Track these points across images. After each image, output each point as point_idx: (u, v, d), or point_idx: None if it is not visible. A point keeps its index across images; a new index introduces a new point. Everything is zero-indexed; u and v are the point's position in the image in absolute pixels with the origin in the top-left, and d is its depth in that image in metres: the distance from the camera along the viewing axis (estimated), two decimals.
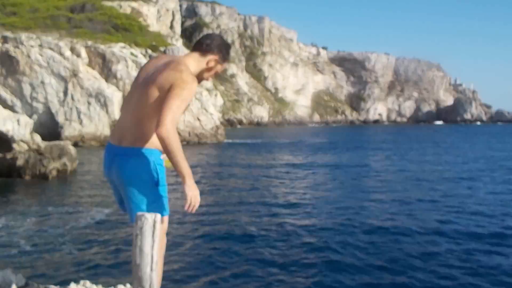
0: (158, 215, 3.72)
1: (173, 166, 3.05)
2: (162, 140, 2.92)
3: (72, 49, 43.11)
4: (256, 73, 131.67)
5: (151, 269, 3.92)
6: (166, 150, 2.97)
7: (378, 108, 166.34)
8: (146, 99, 3.03)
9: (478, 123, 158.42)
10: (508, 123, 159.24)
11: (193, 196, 3.11)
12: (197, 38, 3.52)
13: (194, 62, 3.17)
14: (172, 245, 11.51)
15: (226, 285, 9.13)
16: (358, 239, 12.64)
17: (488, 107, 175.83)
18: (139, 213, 3.85)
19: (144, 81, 3.11)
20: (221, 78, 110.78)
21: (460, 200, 18.42)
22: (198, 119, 50.67)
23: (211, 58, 3.21)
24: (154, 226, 3.93)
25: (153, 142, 3.12)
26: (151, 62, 3.27)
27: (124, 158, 3.10)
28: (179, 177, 3.14)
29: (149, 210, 3.28)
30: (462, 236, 12.97)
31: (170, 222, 3.85)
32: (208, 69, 3.24)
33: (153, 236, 3.93)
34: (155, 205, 3.31)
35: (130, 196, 3.21)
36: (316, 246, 12.15)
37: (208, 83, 70.73)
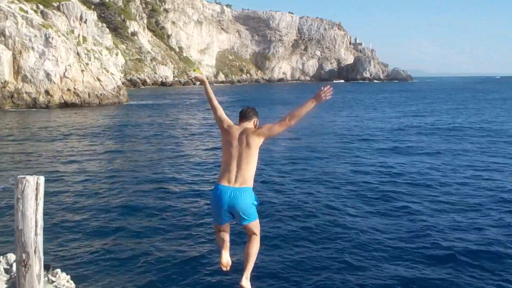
0: (41, 178, 3.60)
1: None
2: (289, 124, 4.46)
3: None
4: (158, 31, 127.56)
5: (36, 234, 3.78)
6: (294, 118, 4.45)
7: (283, 67, 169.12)
8: (245, 157, 4.44)
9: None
10: (404, 81, 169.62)
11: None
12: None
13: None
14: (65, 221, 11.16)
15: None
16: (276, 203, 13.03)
17: (385, 65, 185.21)
18: (20, 176, 3.68)
19: (239, 141, 4.50)
20: (122, 36, 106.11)
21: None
22: (98, 80, 48.34)
23: (256, 119, 4.80)
24: (37, 189, 3.77)
25: (251, 181, 4.48)
26: (235, 127, 4.67)
27: (242, 194, 4.36)
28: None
29: (254, 218, 4.51)
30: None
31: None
32: (255, 126, 4.73)
33: (36, 200, 3.78)
34: (256, 215, 4.52)
35: (246, 214, 4.41)
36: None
37: (108, 42, 67.44)
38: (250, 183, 4.40)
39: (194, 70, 4.70)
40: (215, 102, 4.79)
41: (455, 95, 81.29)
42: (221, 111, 4.74)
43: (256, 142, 4.45)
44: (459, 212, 11.83)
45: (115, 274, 8.19)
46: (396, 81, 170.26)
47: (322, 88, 4.28)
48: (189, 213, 11.64)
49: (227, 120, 4.68)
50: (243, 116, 4.66)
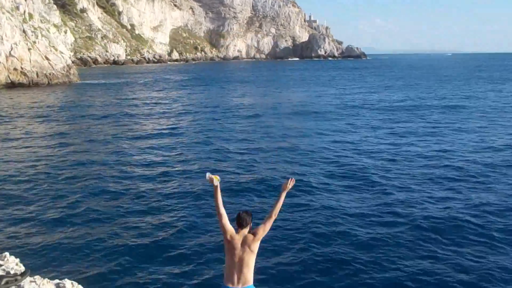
0: None
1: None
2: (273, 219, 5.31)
3: None
4: (109, 8, 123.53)
5: None
6: (276, 212, 5.21)
7: (238, 45, 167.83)
8: (246, 260, 5.14)
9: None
10: (358, 59, 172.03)
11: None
12: None
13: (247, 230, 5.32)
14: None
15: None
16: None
17: (340, 43, 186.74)
18: None
19: (242, 250, 5.14)
20: (70, 13, 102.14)
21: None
22: (47, 58, 46.40)
23: (251, 224, 5.31)
24: None
25: (252, 279, 5.20)
26: (236, 238, 5.25)
27: None
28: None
29: None
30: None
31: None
32: (250, 228, 5.31)
33: None
34: None
35: None
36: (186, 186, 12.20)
37: (56, 19, 64.75)
38: (251, 281, 5.18)
39: (218, 180, 5.15)
40: (222, 209, 5.26)
41: (408, 72, 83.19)
42: (225, 219, 5.24)
43: (257, 246, 5.23)
44: (415, 183, 12.14)
45: (71, 256, 7.97)
46: (351, 58, 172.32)
47: (284, 182, 5.09)
48: (151, 195, 11.41)
49: (230, 230, 5.23)
50: (241, 224, 5.23)
